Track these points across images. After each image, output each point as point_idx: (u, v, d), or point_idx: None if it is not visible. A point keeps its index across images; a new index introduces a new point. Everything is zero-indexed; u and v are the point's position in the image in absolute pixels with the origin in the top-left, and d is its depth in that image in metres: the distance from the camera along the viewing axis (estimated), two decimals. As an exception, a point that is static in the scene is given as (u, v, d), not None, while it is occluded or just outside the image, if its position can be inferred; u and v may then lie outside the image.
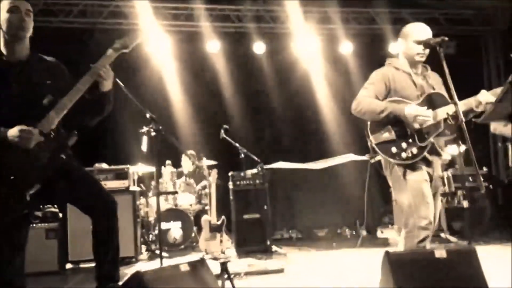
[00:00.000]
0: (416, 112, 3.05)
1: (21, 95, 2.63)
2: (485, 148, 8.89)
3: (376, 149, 3.16)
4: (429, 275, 2.51)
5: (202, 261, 2.59)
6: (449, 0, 8.56)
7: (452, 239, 6.07)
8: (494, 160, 8.97)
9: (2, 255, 2.63)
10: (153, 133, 3.81)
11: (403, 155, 3.10)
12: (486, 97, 3.10)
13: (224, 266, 2.92)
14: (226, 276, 2.99)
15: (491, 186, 6.61)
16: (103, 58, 2.75)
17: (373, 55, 8.46)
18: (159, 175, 6.32)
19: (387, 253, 2.62)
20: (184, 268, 2.40)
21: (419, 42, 3.19)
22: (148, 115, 3.72)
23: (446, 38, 3.08)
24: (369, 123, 3.22)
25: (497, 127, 5.79)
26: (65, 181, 2.70)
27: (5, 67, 2.68)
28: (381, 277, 2.74)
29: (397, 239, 6.52)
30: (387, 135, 3.14)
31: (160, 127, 3.72)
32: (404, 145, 3.11)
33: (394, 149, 3.11)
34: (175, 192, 6.42)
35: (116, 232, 2.82)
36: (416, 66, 3.31)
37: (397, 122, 3.13)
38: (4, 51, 2.72)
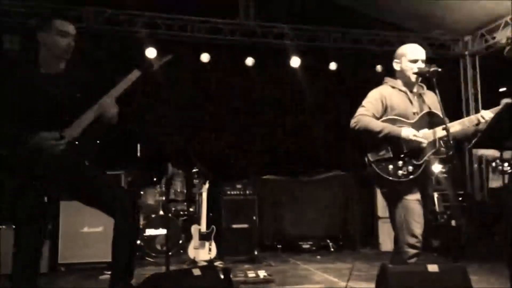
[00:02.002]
0: (411, 136, 3.21)
1: (53, 105, 2.79)
2: (461, 169, 9.23)
3: (373, 166, 3.27)
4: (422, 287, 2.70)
5: (212, 266, 2.74)
6: (430, 27, 8.98)
7: (430, 256, 6.33)
8: (470, 180, 9.32)
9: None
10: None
11: (399, 173, 3.22)
12: (488, 114, 3.25)
13: (226, 272, 3.05)
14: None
15: (468, 206, 6.92)
16: (124, 81, 2.91)
17: (360, 75, 8.79)
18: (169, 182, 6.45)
19: (383, 265, 2.82)
20: (196, 272, 2.54)
21: (416, 73, 3.39)
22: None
23: (440, 69, 3.31)
24: (366, 140, 3.34)
25: (479, 149, 6.14)
26: (90, 184, 2.86)
27: (42, 79, 2.85)
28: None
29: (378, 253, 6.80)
30: (384, 153, 3.27)
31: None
32: (400, 163, 3.24)
33: (390, 167, 3.24)
34: (184, 201, 6.53)
35: (137, 233, 3.00)
36: (411, 85, 3.46)
37: (394, 141, 3.26)
38: (43, 64, 2.88)
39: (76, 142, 2.77)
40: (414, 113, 3.37)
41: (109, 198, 2.91)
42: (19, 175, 2.68)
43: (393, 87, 3.47)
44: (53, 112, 2.77)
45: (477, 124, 3.30)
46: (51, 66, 2.92)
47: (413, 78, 3.42)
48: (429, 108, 3.42)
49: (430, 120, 3.35)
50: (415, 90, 3.49)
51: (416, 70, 3.40)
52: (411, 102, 3.41)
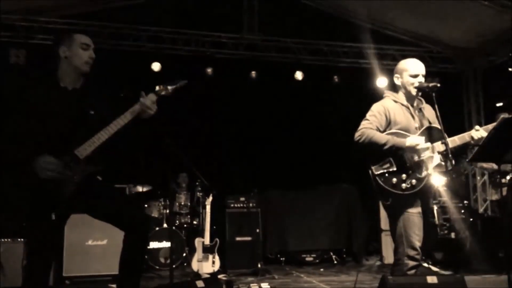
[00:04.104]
0: (416, 143, 3.26)
1: (67, 121, 2.83)
2: (465, 183, 9.23)
3: (377, 179, 3.31)
4: (422, 299, 2.74)
5: (215, 279, 2.78)
6: (433, 41, 9.06)
7: (434, 268, 6.32)
8: (473, 194, 9.32)
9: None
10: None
11: (403, 186, 3.27)
12: (479, 133, 3.35)
13: (229, 285, 3.09)
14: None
15: (471, 219, 6.92)
16: (142, 101, 2.97)
17: (362, 88, 8.86)
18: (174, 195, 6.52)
19: (383, 277, 2.86)
20: (200, 284, 2.58)
21: (416, 87, 3.47)
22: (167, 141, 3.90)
23: (439, 85, 3.38)
24: (370, 153, 3.38)
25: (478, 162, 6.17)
26: (102, 199, 2.91)
27: (60, 94, 2.90)
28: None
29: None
30: (388, 166, 3.31)
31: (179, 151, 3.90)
32: (404, 176, 3.29)
33: (394, 180, 3.28)
34: (188, 214, 6.56)
35: (146, 247, 3.04)
36: (412, 99, 3.54)
37: (397, 154, 3.31)
38: (62, 78, 2.94)
39: (87, 161, 2.81)
40: (416, 128, 3.44)
41: (121, 212, 2.94)
42: (30, 192, 2.71)
43: (395, 101, 3.53)
44: (66, 128, 2.81)
45: (469, 142, 3.38)
46: (70, 81, 2.96)
47: (414, 92, 3.49)
48: (429, 122, 3.49)
49: (430, 134, 3.41)
50: (415, 104, 3.56)
51: (417, 85, 3.46)
52: (413, 116, 3.48)
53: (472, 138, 3.36)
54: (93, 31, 7.88)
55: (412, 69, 3.52)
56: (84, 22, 7.95)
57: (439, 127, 3.37)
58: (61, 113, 2.83)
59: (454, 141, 3.38)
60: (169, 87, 3.06)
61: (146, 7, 8.08)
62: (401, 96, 3.56)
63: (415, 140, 3.28)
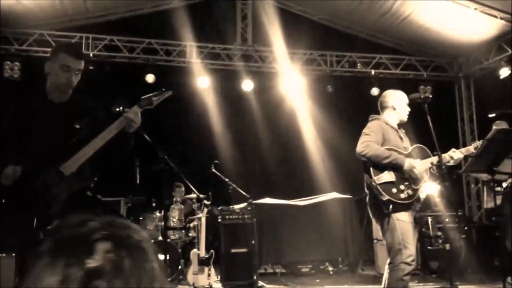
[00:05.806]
0: (413, 167, 3.53)
1: (51, 136, 2.78)
2: (459, 191, 9.25)
3: (379, 188, 3.49)
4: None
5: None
6: (425, 50, 9.13)
7: (429, 278, 6.31)
8: (467, 202, 9.34)
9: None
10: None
11: (402, 195, 3.50)
12: (457, 154, 3.66)
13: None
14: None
15: (466, 227, 6.93)
16: (125, 116, 2.94)
17: (355, 96, 8.91)
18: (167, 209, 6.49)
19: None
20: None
21: (409, 99, 3.74)
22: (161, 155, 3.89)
23: (431, 96, 3.52)
24: (371, 165, 3.56)
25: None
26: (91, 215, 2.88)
27: (46, 106, 2.86)
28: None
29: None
30: (388, 176, 3.53)
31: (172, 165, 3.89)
32: (402, 187, 3.52)
33: (394, 190, 3.50)
34: (183, 228, 6.53)
35: None
36: (400, 123, 3.86)
37: (395, 168, 3.54)
38: (49, 92, 2.91)
39: (74, 177, 2.77)
40: (404, 148, 3.71)
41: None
42: (19, 207, 2.69)
43: (386, 124, 3.79)
44: (50, 142, 2.76)
45: (448, 162, 3.66)
46: (55, 95, 2.92)
47: (405, 118, 3.84)
48: (411, 145, 3.79)
49: (419, 152, 3.72)
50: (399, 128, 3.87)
51: (407, 112, 3.80)
52: (400, 138, 3.77)
53: (451, 158, 3.66)
54: (87, 43, 7.91)
55: (406, 99, 3.83)
56: (79, 35, 7.97)
57: (424, 146, 3.71)
58: (46, 127, 2.78)
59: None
60: (154, 99, 3.03)
61: (140, 19, 8.12)
62: (390, 119, 3.82)
63: (413, 164, 3.55)
